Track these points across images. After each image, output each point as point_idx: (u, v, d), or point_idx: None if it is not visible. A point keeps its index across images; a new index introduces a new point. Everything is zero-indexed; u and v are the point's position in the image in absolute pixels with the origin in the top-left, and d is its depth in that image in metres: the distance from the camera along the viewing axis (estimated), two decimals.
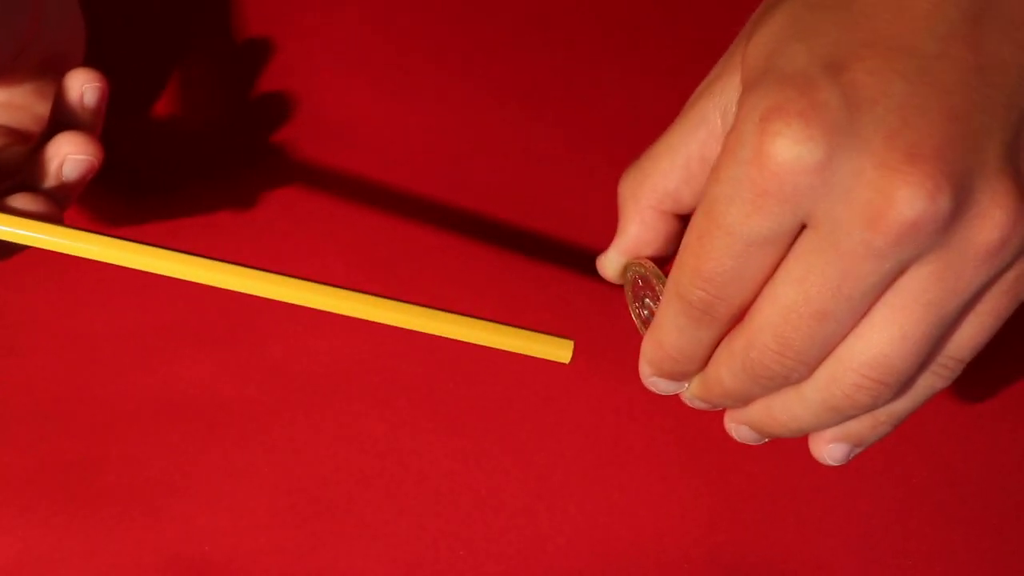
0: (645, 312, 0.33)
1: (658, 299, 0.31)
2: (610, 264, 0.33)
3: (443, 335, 0.32)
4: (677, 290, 0.28)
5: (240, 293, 0.43)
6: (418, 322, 0.32)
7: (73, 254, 0.32)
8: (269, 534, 0.41)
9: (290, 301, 0.32)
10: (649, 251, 0.32)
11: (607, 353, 0.43)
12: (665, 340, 0.30)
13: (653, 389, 0.32)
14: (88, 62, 0.41)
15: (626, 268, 0.33)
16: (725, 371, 0.29)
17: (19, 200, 0.34)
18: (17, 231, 0.32)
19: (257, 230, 0.44)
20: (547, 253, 0.44)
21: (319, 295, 0.32)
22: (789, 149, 0.25)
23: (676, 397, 0.42)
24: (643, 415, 0.42)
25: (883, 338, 0.26)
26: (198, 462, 0.42)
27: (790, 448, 0.42)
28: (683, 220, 0.32)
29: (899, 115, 0.25)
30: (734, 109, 0.29)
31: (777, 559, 0.41)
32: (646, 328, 0.33)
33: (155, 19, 0.47)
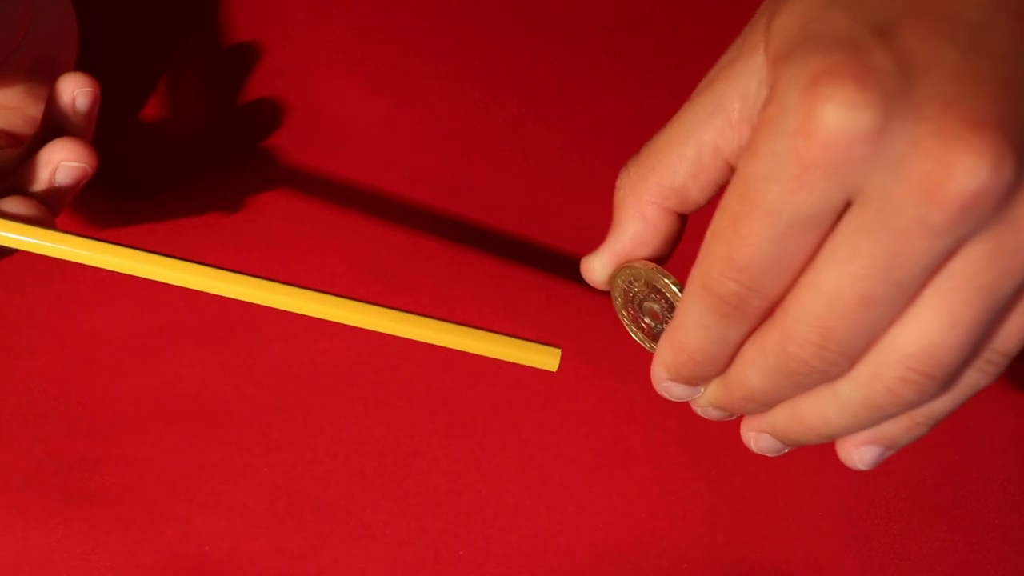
0: (647, 319, 0.31)
1: (665, 300, 0.30)
2: (600, 267, 0.31)
3: (429, 341, 0.31)
4: (704, 283, 0.26)
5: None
6: (403, 328, 0.31)
7: (64, 258, 0.32)
8: (268, 534, 0.41)
9: (271, 305, 0.32)
10: (644, 252, 0.30)
11: (607, 353, 0.43)
12: (687, 341, 0.27)
13: (666, 395, 0.30)
14: (81, 64, 0.41)
15: (616, 273, 0.31)
16: (753, 371, 0.27)
17: (10, 204, 0.34)
18: (7, 235, 0.32)
19: (253, 231, 0.44)
20: (547, 253, 0.44)
21: (301, 300, 0.32)
22: (841, 115, 0.23)
23: None
24: (643, 415, 0.42)
25: (932, 327, 0.24)
26: (197, 462, 0.42)
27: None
28: (683, 219, 0.30)
29: (955, 83, 0.23)
30: (756, 91, 0.27)
31: (776, 559, 0.41)
32: (648, 337, 0.31)
33: (150, 19, 0.47)
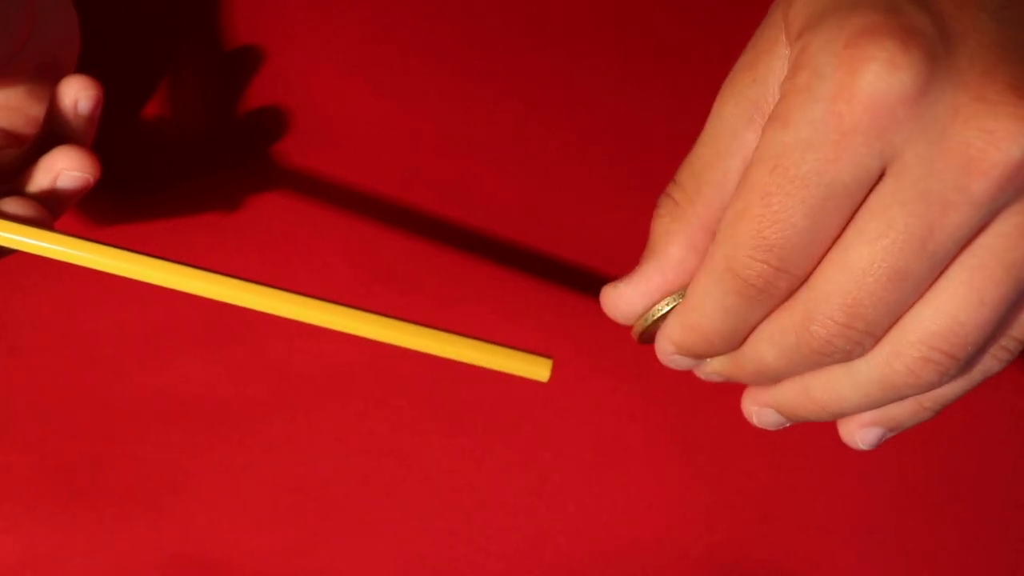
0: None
1: None
2: (637, 300, 0.28)
3: (413, 348, 0.31)
4: (729, 265, 0.25)
5: None
6: (387, 334, 0.31)
7: (61, 260, 0.32)
8: (270, 533, 0.41)
9: (257, 309, 0.32)
10: (686, 281, 0.27)
11: (607, 353, 0.43)
12: (703, 323, 0.26)
13: (671, 366, 0.29)
14: (83, 65, 0.41)
15: (647, 314, 0.28)
16: (769, 348, 0.26)
17: (9, 204, 0.33)
18: (5, 235, 0.32)
19: (254, 232, 0.44)
20: (547, 253, 0.44)
21: (286, 304, 0.31)
22: (885, 75, 0.22)
23: (677, 397, 0.43)
24: (643, 415, 0.42)
25: (958, 304, 0.23)
26: (199, 461, 0.42)
27: (789, 447, 0.42)
28: None
29: (994, 50, 0.22)
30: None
31: (776, 558, 0.41)
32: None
33: (150, 19, 0.47)
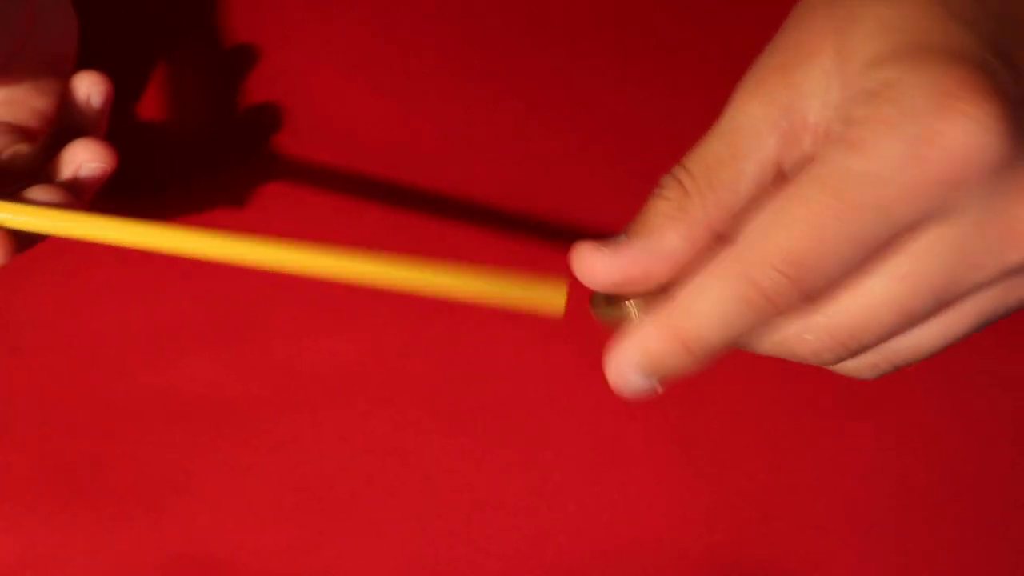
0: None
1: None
2: (609, 272, 0.27)
3: (408, 285, 0.30)
4: (747, 272, 0.24)
5: (243, 293, 0.44)
6: (379, 273, 0.29)
7: (94, 240, 0.32)
8: (272, 533, 0.41)
9: (263, 264, 0.31)
10: (666, 276, 0.26)
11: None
12: (690, 329, 0.25)
13: (617, 382, 0.27)
14: (83, 64, 0.41)
15: (619, 302, 0.27)
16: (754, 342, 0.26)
17: (39, 192, 0.35)
18: (36, 220, 0.33)
19: (254, 231, 0.44)
20: (548, 253, 0.44)
21: (287, 254, 0.30)
22: (978, 136, 0.22)
23: (677, 397, 0.43)
24: (643, 415, 0.43)
25: (932, 334, 0.25)
26: (202, 461, 0.42)
27: (789, 447, 0.42)
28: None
29: None
30: (831, 96, 0.25)
31: (775, 557, 0.41)
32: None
33: (150, 19, 0.47)
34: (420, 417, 0.42)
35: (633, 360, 0.27)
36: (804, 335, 0.25)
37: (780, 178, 0.25)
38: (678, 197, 0.26)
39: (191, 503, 0.41)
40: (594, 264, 0.27)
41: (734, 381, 0.43)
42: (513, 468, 0.42)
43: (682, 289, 0.26)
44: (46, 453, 0.42)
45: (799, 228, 0.23)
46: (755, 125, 0.25)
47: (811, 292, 0.24)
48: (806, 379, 0.43)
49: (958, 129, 0.22)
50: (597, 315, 0.29)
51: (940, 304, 0.24)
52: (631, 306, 0.27)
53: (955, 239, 0.23)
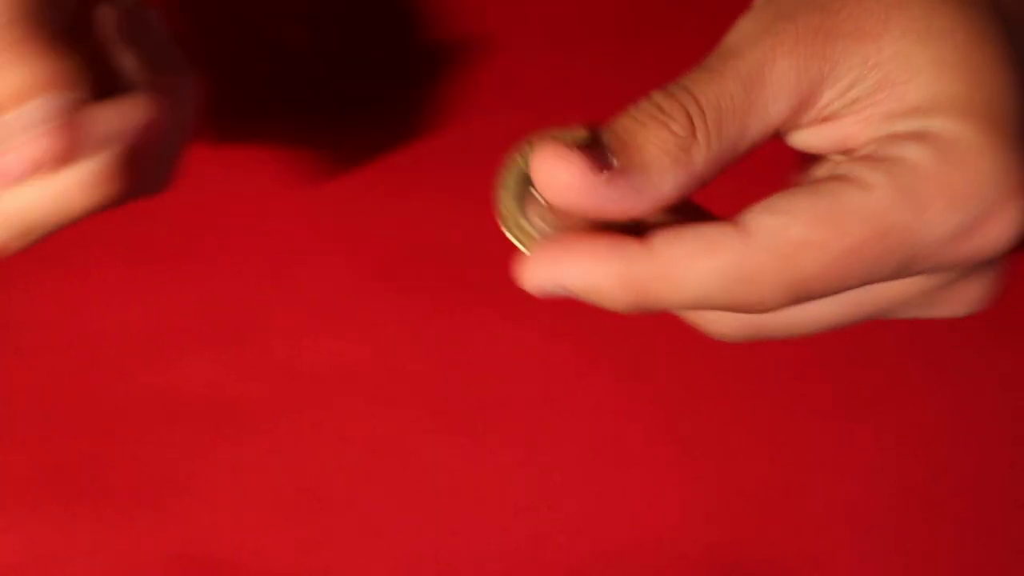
0: (536, 218, 0.26)
1: None
2: (587, 196, 0.23)
3: None
4: (748, 275, 0.23)
5: (243, 293, 0.44)
6: None
7: None
8: (273, 532, 0.41)
9: None
10: (643, 214, 0.24)
11: (607, 352, 0.43)
12: (661, 298, 0.24)
13: (535, 288, 0.26)
14: None
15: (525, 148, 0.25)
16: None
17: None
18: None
19: (254, 231, 0.44)
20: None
21: None
22: (1014, 231, 0.24)
23: (677, 397, 0.43)
24: (643, 415, 0.43)
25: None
26: (202, 461, 0.42)
27: (789, 447, 0.42)
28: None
29: None
30: (861, 91, 0.24)
31: (775, 557, 0.41)
32: (530, 238, 0.26)
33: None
34: (420, 417, 0.42)
35: (575, 286, 0.25)
36: (722, 320, 0.26)
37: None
38: (686, 136, 0.24)
39: (192, 503, 0.41)
40: (572, 182, 0.23)
41: (734, 381, 0.43)
42: (513, 468, 0.42)
43: (669, 253, 0.24)
44: (47, 453, 0.42)
45: (822, 256, 0.23)
46: (780, 83, 0.24)
47: (792, 306, 0.24)
48: (806, 379, 0.43)
49: (1007, 224, 0.23)
50: (505, 223, 0.26)
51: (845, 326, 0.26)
52: (552, 228, 0.25)
53: (921, 292, 0.25)
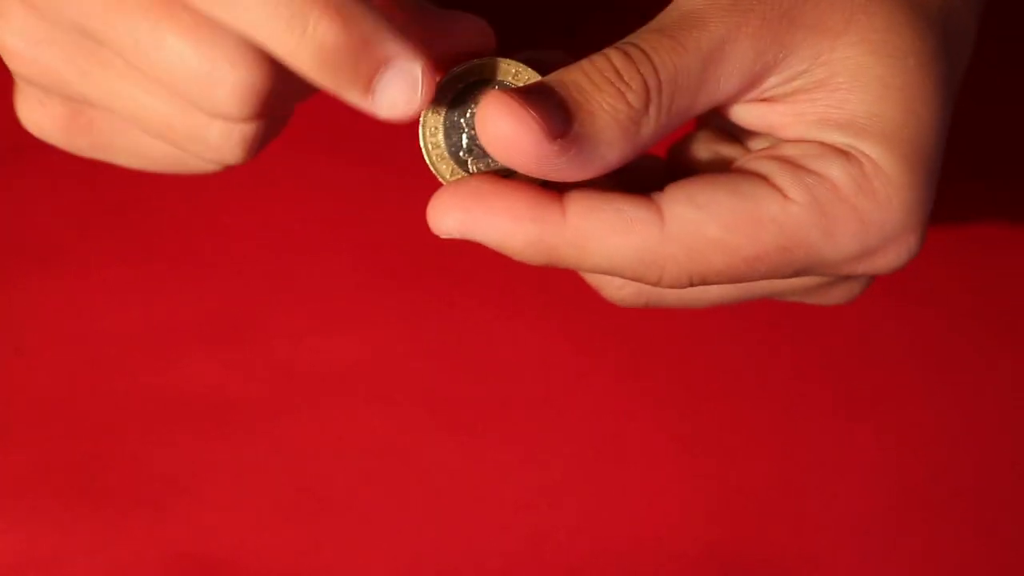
0: (465, 138, 0.25)
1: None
2: (529, 149, 0.23)
3: None
4: (658, 257, 0.24)
5: (244, 293, 0.44)
6: None
7: None
8: (274, 532, 0.41)
9: None
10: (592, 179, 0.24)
11: (607, 353, 0.43)
12: (568, 261, 0.25)
13: (439, 227, 0.26)
14: None
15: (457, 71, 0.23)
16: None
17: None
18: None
19: (255, 233, 0.44)
20: None
21: None
22: (906, 260, 0.26)
23: (677, 397, 0.43)
24: (643, 415, 0.43)
25: None
26: (203, 461, 0.42)
27: (789, 447, 0.42)
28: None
29: None
30: (805, 83, 0.25)
31: (774, 556, 0.41)
32: (451, 162, 0.26)
33: None
34: (420, 417, 0.42)
35: (485, 238, 0.25)
36: (624, 288, 0.27)
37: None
38: (640, 109, 0.23)
39: (193, 503, 0.41)
40: (523, 147, 0.23)
41: (734, 381, 0.43)
42: (513, 467, 0.42)
43: (585, 225, 0.24)
44: (48, 452, 0.42)
45: (730, 258, 0.24)
46: (736, 63, 0.24)
47: (691, 287, 0.25)
48: (806, 379, 0.43)
49: (900, 253, 0.25)
50: (429, 155, 0.26)
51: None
52: (477, 169, 0.25)
53: (807, 287, 0.27)
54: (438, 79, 0.24)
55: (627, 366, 0.43)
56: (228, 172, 0.45)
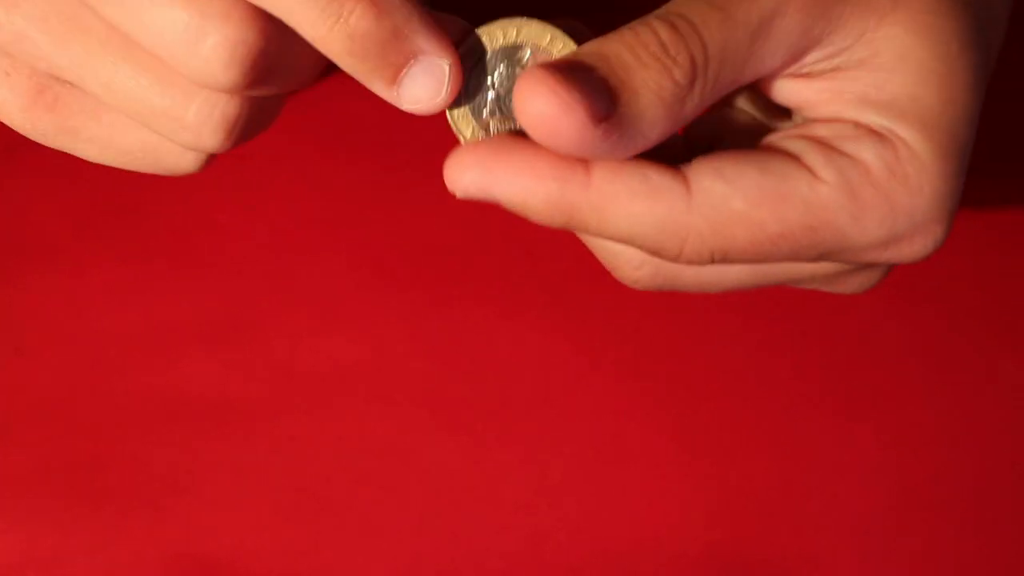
0: (493, 95, 0.24)
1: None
2: (572, 135, 0.22)
3: None
4: (683, 231, 0.23)
5: (244, 292, 0.44)
6: None
7: None
8: (273, 532, 0.41)
9: None
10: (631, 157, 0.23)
11: (606, 351, 0.43)
12: (589, 225, 0.24)
13: (458, 188, 0.25)
14: None
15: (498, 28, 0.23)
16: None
17: None
18: None
19: (255, 233, 0.44)
20: (547, 252, 0.44)
21: None
22: (932, 250, 0.26)
23: (677, 397, 0.43)
24: (643, 415, 0.43)
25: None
26: (203, 460, 0.42)
27: (789, 447, 0.42)
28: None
29: None
30: (847, 60, 0.24)
31: (774, 556, 0.41)
32: (478, 122, 0.25)
33: None
34: (420, 417, 0.42)
35: (504, 197, 0.24)
36: (643, 267, 0.25)
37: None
38: (685, 85, 0.23)
39: (192, 503, 0.41)
40: (565, 131, 0.22)
41: (734, 381, 0.43)
42: (513, 468, 0.42)
43: (610, 188, 0.23)
44: (48, 452, 0.42)
45: (755, 234, 0.24)
46: (783, 38, 0.23)
47: (712, 264, 0.24)
48: (806, 379, 0.43)
49: (925, 243, 0.25)
50: (452, 115, 0.25)
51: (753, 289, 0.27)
52: (499, 131, 0.24)
53: (828, 275, 0.26)
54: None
55: (627, 366, 0.43)
56: (227, 172, 0.45)
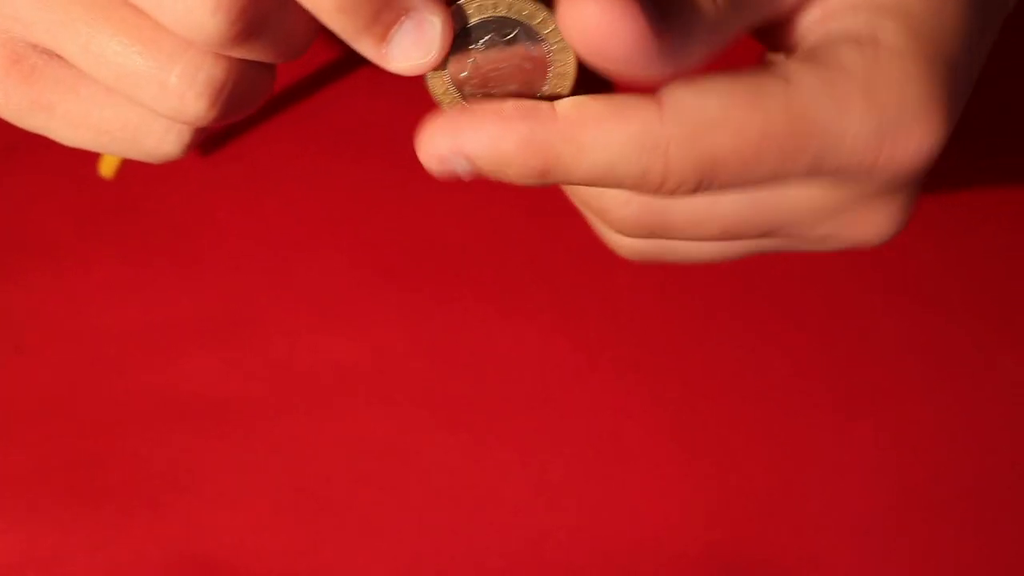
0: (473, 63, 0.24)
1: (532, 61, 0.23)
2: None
3: None
4: (664, 149, 0.22)
5: (244, 292, 0.44)
6: None
7: None
8: (272, 531, 0.41)
9: None
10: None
11: (607, 352, 0.43)
12: (566, 164, 0.23)
13: (431, 162, 0.25)
14: None
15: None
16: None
17: None
18: None
19: (255, 233, 0.44)
20: (547, 251, 0.44)
21: None
22: (930, 151, 0.24)
23: (677, 397, 0.43)
24: (643, 415, 0.43)
25: None
26: (202, 460, 0.42)
27: (789, 447, 0.42)
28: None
29: None
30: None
31: (774, 556, 0.41)
32: (459, 90, 0.25)
33: None
34: (420, 417, 0.42)
35: (476, 151, 0.24)
36: (630, 204, 0.24)
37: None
38: (724, 8, 0.22)
39: (192, 502, 0.41)
40: (622, 44, 0.20)
41: (734, 381, 0.43)
42: (513, 467, 0.42)
43: (578, 114, 0.22)
44: (47, 451, 0.42)
45: (735, 138, 0.22)
46: None
47: (698, 191, 0.23)
48: (806, 379, 0.43)
49: (921, 143, 0.23)
50: (432, 82, 0.25)
51: (750, 237, 0.25)
52: (474, 95, 0.24)
53: (827, 208, 0.24)
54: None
55: (627, 365, 0.43)
56: (227, 172, 0.45)
